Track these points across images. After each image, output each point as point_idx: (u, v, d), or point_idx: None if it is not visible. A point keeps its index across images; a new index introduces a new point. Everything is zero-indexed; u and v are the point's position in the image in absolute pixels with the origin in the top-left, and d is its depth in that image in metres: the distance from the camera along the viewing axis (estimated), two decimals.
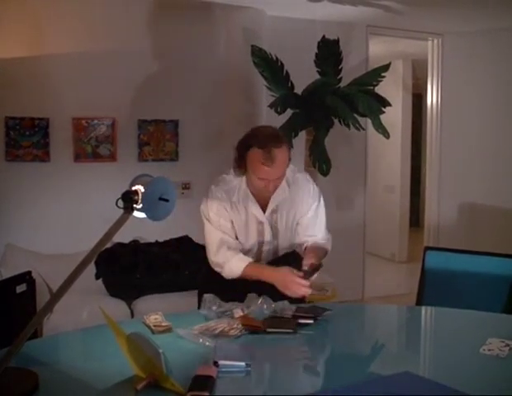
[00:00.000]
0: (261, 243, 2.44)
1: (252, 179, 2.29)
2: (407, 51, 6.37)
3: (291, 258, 2.45)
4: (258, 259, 2.45)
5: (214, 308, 2.09)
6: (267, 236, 2.42)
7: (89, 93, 4.28)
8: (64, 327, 2.95)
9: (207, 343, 1.80)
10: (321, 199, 2.48)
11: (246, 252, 2.41)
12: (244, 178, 2.36)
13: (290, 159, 2.31)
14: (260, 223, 2.41)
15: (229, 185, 2.37)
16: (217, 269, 2.40)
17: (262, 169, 2.21)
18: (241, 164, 2.29)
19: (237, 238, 2.41)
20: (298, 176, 2.45)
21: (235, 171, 2.36)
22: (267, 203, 2.39)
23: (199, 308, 2.18)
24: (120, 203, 1.61)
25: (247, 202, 2.37)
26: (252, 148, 2.22)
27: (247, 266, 2.33)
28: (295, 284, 2.19)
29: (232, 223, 2.38)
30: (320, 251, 2.39)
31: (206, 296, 2.13)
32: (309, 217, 2.45)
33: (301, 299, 2.29)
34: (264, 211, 2.40)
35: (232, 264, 2.34)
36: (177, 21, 4.49)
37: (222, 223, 2.36)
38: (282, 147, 2.22)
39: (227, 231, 2.37)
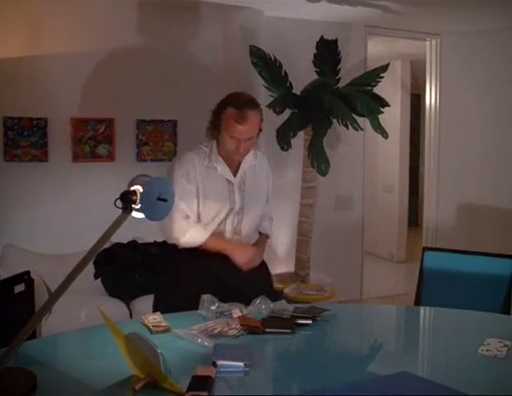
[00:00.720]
0: (230, 211, 2.43)
1: (224, 139, 2.37)
2: (406, 51, 6.37)
3: None
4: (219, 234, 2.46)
5: (212, 308, 2.09)
6: (238, 201, 2.44)
7: (87, 93, 4.28)
8: (63, 327, 2.93)
9: (206, 343, 1.81)
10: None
11: (210, 222, 2.42)
12: (214, 143, 2.45)
13: (261, 130, 2.43)
14: (230, 184, 2.44)
15: (201, 150, 2.47)
16: (179, 236, 2.38)
17: (235, 127, 2.32)
18: (216, 125, 2.40)
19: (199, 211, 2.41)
20: (264, 158, 2.61)
21: (211, 134, 2.45)
22: (237, 169, 2.47)
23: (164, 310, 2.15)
24: (119, 203, 1.61)
25: (217, 164, 2.43)
26: (227, 108, 2.35)
27: (210, 235, 2.40)
28: (251, 253, 2.45)
29: (198, 188, 2.39)
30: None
31: (205, 296, 2.13)
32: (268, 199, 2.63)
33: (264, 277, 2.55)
34: (234, 176, 2.47)
35: (194, 231, 2.38)
36: (175, 21, 4.49)
37: (186, 186, 2.38)
38: (255, 110, 2.36)
39: (190, 199, 2.38)
